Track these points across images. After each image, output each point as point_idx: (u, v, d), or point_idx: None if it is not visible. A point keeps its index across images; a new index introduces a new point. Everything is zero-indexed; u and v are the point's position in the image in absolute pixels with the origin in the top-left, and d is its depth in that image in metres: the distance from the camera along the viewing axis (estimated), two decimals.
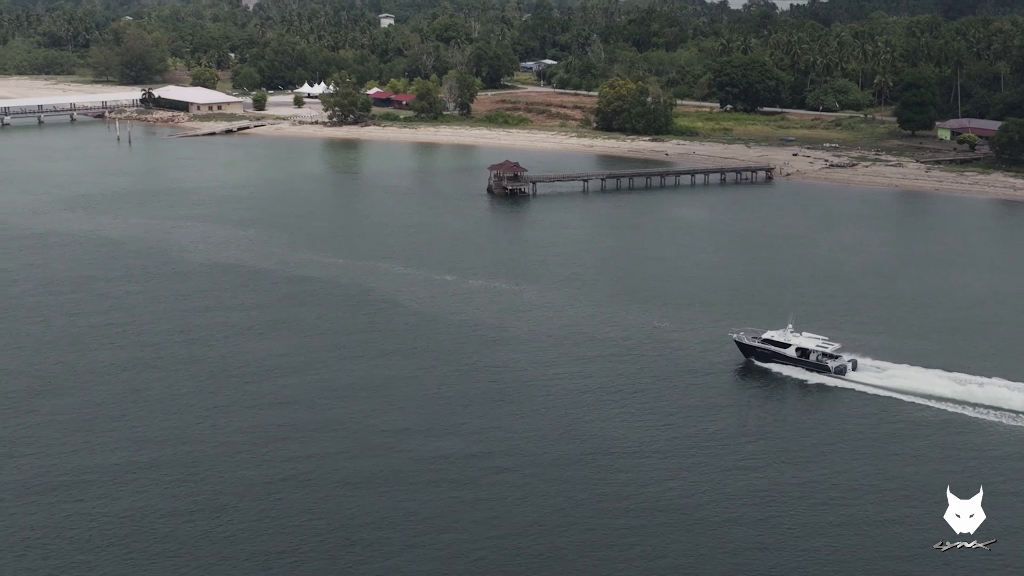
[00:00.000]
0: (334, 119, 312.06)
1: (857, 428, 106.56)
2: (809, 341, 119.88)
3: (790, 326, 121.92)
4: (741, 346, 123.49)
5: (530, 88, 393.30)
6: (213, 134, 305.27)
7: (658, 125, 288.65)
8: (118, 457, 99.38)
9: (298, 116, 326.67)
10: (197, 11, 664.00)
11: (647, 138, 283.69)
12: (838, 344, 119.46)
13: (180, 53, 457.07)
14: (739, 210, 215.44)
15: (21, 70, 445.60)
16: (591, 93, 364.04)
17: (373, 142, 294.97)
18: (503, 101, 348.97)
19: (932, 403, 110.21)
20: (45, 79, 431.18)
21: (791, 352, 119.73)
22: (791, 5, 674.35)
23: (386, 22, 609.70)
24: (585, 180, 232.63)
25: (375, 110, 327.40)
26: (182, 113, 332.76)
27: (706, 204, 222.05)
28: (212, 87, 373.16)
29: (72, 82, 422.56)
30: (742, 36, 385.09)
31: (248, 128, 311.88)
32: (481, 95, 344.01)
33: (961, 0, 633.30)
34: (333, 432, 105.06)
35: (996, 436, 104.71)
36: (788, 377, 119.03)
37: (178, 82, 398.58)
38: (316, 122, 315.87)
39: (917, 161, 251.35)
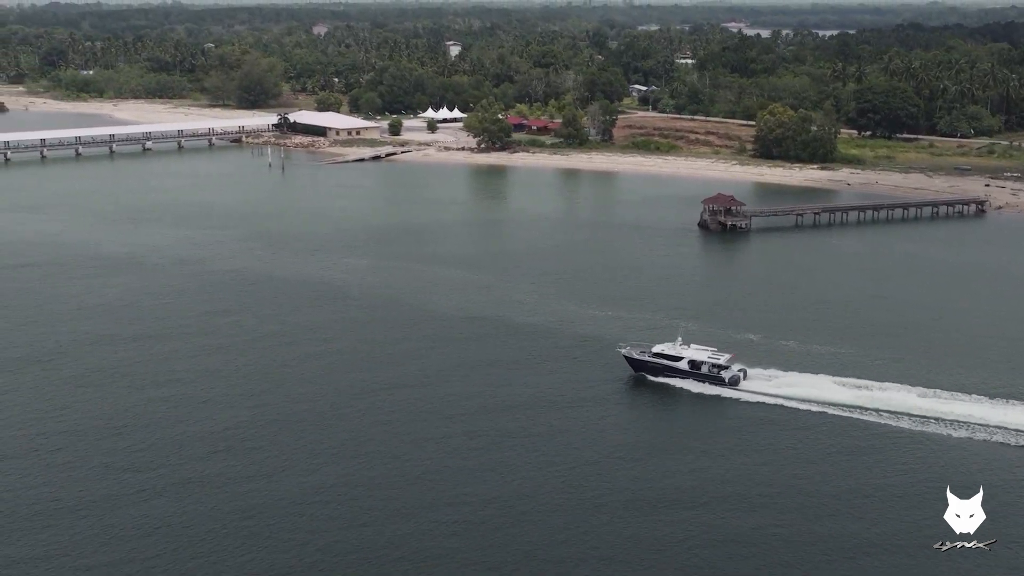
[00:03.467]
0: (482, 145, 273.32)
1: (799, 437, 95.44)
2: (699, 353, 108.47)
3: (679, 339, 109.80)
4: (631, 361, 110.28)
5: (641, 113, 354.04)
6: (362, 160, 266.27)
7: (823, 153, 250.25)
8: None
9: (440, 142, 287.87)
10: (276, 38, 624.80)
11: (815, 166, 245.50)
12: (728, 355, 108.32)
13: (284, 78, 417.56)
14: (970, 247, 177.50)
15: (136, 94, 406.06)
16: (709, 119, 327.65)
17: (529, 169, 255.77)
18: (630, 126, 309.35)
19: (829, 409, 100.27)
20: (162, 103, 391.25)
21: (683, 365, 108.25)
22: (830, 33, 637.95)
23: (454, 50, 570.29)
24: (800, 214, 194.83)
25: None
26: (321, 138, 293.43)
27: (934, 240, 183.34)
28: (336, 111, 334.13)
29: (189, 106, 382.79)
30: (855, 64, 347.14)
31: (395, 154, 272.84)
32: None
33: (994, 29, 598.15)
34: None
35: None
36: (682, 390, 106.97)
37: (292, 106, 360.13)
38: (463, 148, 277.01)
39: None
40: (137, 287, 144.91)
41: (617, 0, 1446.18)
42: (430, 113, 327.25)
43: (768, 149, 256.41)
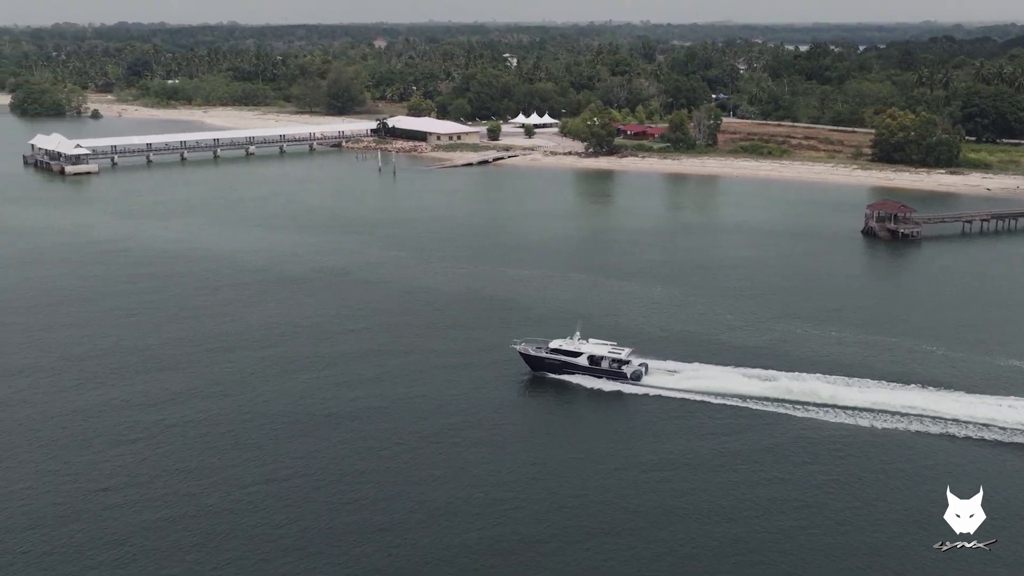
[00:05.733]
0: (590, 149, 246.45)
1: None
2: (599, 348, 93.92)
3: (578, 334, 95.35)
4: (527, 358, 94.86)
5: (724, 119, 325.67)
6: (470, 165, 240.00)
7: (948, 158, 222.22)
8: None
9: (542, 146, 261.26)
10: (343, 51, 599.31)
11: (942, 171, 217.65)
12: (628, 348, 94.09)
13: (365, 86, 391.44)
14: None
15: (223, 101, 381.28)
16: (797, 124, 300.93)
17: (642, 173, 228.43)
18: (723, 131, 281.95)
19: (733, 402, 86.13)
20: (251, 110, 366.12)
21: (583, 361, 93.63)
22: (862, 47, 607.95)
23: (511, 62, 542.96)
24: (968, 221, 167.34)
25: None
26: (422, 143, 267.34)
27: None
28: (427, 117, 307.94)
29: (277, 112, 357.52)
30: (938, 70, 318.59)
31: (502, 159, 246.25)
32: None
33: (1017, 39, 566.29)
34: None
35: None
36: (580, 386, 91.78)
37: (377, 113, 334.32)
38: (569, 152, 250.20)
39: None
40: (293, 299, 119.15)
41: (635, 21, 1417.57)
42: (522, 118, 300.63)
43: (888, 153, 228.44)
